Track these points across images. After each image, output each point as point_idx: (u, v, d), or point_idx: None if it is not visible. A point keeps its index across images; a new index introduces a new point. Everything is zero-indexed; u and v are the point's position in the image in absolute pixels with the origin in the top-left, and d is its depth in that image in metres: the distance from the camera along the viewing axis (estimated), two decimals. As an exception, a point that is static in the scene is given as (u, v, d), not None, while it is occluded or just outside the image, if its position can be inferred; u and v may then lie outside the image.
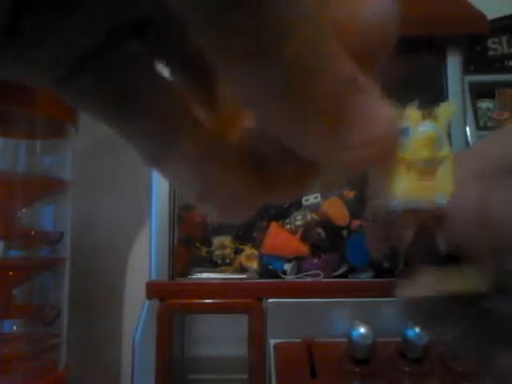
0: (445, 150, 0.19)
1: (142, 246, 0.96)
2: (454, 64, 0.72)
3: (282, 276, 0.68)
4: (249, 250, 0.72)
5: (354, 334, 0.57)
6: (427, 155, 0.19)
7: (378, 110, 0.14)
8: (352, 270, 0.70)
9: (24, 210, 0.75)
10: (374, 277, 0.69)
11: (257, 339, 0.63)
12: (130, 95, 0.14)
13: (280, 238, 0.70)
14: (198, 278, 0.69)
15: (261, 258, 0.70)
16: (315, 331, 0.63)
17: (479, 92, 0.95)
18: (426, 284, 0.24)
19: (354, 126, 0.13)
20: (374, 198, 0.22)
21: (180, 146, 0.15)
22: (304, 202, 0.72)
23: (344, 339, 0.59)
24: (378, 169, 0.19)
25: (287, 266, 0.68)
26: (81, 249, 0.87)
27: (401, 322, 0.59)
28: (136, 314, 0.65)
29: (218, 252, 0.72)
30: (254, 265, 0.70)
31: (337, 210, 0.71)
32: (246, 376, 0.63)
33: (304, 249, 0.69)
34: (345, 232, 0.70)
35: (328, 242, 0.70)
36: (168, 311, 0.64)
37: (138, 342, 0.63)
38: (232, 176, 0.15)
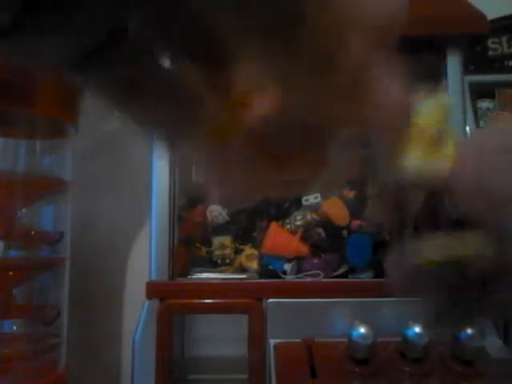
0: (453, 125, 0.21)
1: (142, 246, 0.96)
2: (453, 64, 0.72)
3: (282, 276, 0.68)
4: (249, 250, 0.72)
5: (354, 334, 0.57)
6: (438, 124, 0.21)
7: (389, 82, 0.15)
8: (352, 270, 0.70)
9: (24, 210, 0.75)
10: (374, 277, 0.69)
11: (257, 339, 0.63)
12: (137, 85, 0.15)
13: (280, 238, 0.70)
14: (197, 278, 0.69)
15: (261, 258, 0.70)
16: (315, 331, 0.63)
17: (479, 92, 0.95)
18: (433, 249, 0.25)
19: (370, 94, 0.15)
20: (385, 166, 0.23)
21: (193, 133, 0.16)
22: (304, 202, 0.72)
23: (344, 339, 0.59)
24: (391, 135, 0.21)
25: (287, 266, 0.68)
26: (81, 249, 0.87)
27: (401, 321, 0.59)
28: (136, 314, 0.65)
29: (218, 252, 0.72)
30: (254, 265, 0.70)
31: (337, 210, 0.71)
32: (245, 376, 0.63)
33: (304, 249, 0.69)
34: (345, 232, 0.70)
35: (328, 241, 0.70)
36: (168, 311, 0.64)
37: (138, 342, 0.63)
38: (245, 158, 0.16)
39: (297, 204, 0.73)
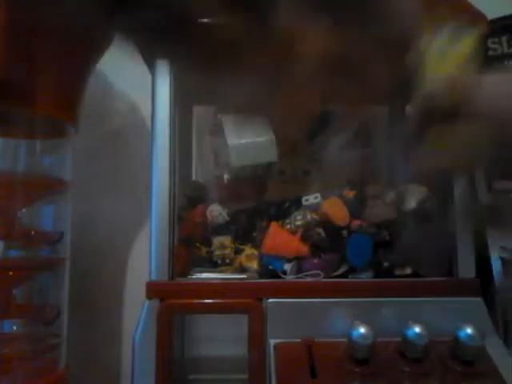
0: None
1: (142, 246, 0.96)
2: (453, 64, 0.72)
3: (282, 276, 0.68)
4: (249, 250, 0.72)
5: (354, 334, 0.57)
6: (470, 50, 0.24)
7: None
8: (352, 270, 0.70)
9: (24, 210, 0.75)
10: (374, 277, 0.69)
11: (257, 339, 0.63)
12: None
13: (280, 238, 0.70)
14: (197, 278, 0.69)
15: (261, 258, 0.70)
16: (315, 331, 0.63)
17: (479, 92, 0.94)
18: (435, 157, 0.30)
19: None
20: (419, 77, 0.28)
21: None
22: (304, 202, 0.72)
23: (344, 339, 0.59)
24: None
25: (287, 266, 0.68)
26: (81, 249, 0.87)
27: (401, 321, 0.59)
28: (136, 314, 0.65)
29: (218, 252, 0.72)
30: (254, 265, 0.70)
31: (337, 210, 0.71)
32: (245, 376, 0.63)
33: (304, 249, 0.69)
34: (345, 232, 0.70)
35: (328, 242, 0.70)
36: (168, 311, 0.64)
37: (138, 342, 0.63)
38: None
39: (297, 204, 0.73)
